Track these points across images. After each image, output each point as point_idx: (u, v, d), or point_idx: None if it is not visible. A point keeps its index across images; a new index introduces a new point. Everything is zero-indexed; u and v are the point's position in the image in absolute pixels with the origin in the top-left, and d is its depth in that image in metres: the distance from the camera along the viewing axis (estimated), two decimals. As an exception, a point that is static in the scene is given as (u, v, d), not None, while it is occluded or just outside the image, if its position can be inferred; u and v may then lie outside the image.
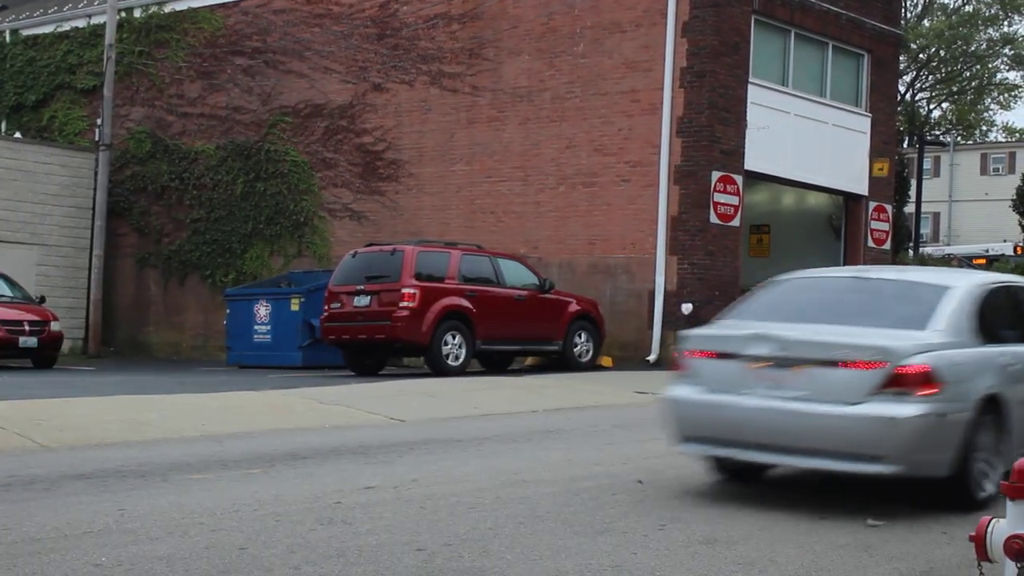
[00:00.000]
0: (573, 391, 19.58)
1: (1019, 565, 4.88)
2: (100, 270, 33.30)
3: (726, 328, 10.29)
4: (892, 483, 9.23)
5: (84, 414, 14.64)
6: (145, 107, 35.12)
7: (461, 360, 22.54)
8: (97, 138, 33.81)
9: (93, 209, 33.79)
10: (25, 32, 38.29)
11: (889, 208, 30.67)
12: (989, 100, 71.57)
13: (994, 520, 5.06)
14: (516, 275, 24.04)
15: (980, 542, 5.05)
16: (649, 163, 25.85)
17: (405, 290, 22.03)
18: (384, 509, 8.90)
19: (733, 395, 9.50)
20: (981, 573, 5.18)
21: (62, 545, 7.59)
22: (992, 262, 48.50)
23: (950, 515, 8.92)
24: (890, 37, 30.58)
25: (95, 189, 33.77)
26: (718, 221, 25.61)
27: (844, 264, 29.27)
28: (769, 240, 30.74)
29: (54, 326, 27.38)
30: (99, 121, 33.73)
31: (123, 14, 35.11)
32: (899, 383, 8.84)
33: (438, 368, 22.16)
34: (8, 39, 38.48)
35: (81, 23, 36.86)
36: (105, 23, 33.73)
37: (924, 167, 52.07)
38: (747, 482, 10.34)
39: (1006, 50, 64.14)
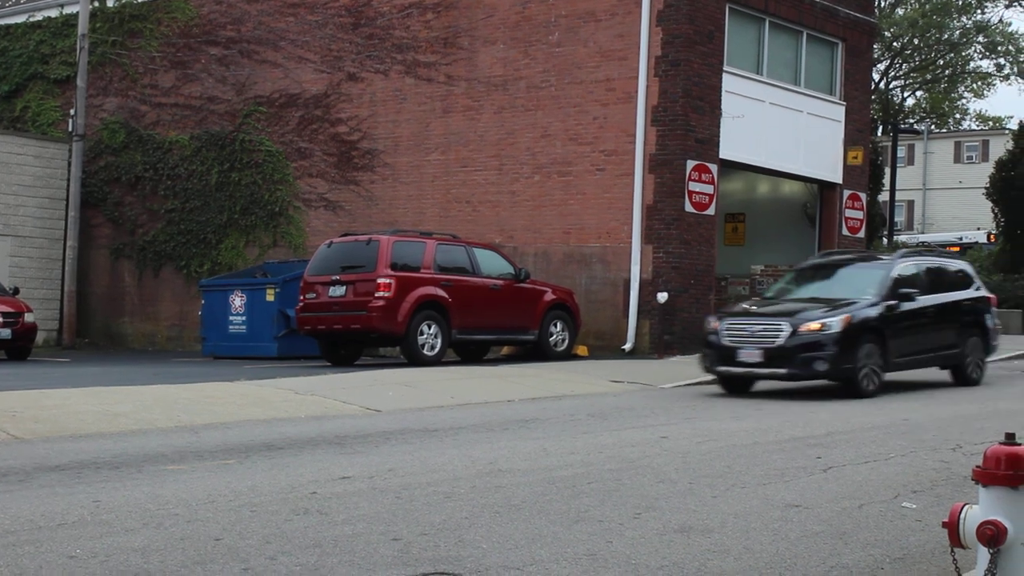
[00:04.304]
0: (549, 380, 19.60)
1: (992, 551, 4.91)
2: (74, 261, 33.19)
3: None
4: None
5: (58, 405, 14.59)
6: (119, 97, 34.98)
7: (437, 350, 22.54)
8: (70, 128, 33.70)
9: (67, 200, 33.67)
10: (-3, 22, 38.09)
11: (863, 196, 30.78)
12: (963, 88, 71.88)
13: (967, 506, 5.09)
14: (491, 265, 24.05)
15: (953, 528, 5.07)
16: (624, 152, 25.86)
17: (380, 280, 22.01)
18: (360, 499, 8.90)
19: None
20: (954, 559, 5.20)
21: (36, 537, 7.56)
22: (966, 250, 48.74)
23: (925, 502, 8.98)
24: (864, 25, 30.66)
25: (69, 180, 33.66)
26: (693, 210, 25.65)
27: (818, 252, 29.45)
28: (744, 229, 30.84)
29: (28, 317, 27.29)
30: (72, 111, 33.60)
31: (96, 3, 34.95)
32: None
33: (414, 358, 22.16)
34: (-20, 29, 38.30)
35: (54, 12, 36.68)
36: (78, 13, 33.59)
37: (898, 155, 52.22)
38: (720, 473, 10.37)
39: (980, 38, 64.38)
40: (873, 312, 18.17)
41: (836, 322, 17.57)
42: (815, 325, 17.59)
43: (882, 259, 20.28)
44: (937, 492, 9.42)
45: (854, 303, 18.19)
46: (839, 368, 17.59)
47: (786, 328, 17.67)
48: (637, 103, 25.69)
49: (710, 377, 18.87)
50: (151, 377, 19.72)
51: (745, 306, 19.78)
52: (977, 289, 20.79)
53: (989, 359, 21.07)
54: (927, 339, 19.37)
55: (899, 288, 18.69)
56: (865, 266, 20.01)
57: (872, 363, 17.87)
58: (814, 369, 17.60)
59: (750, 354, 17.86)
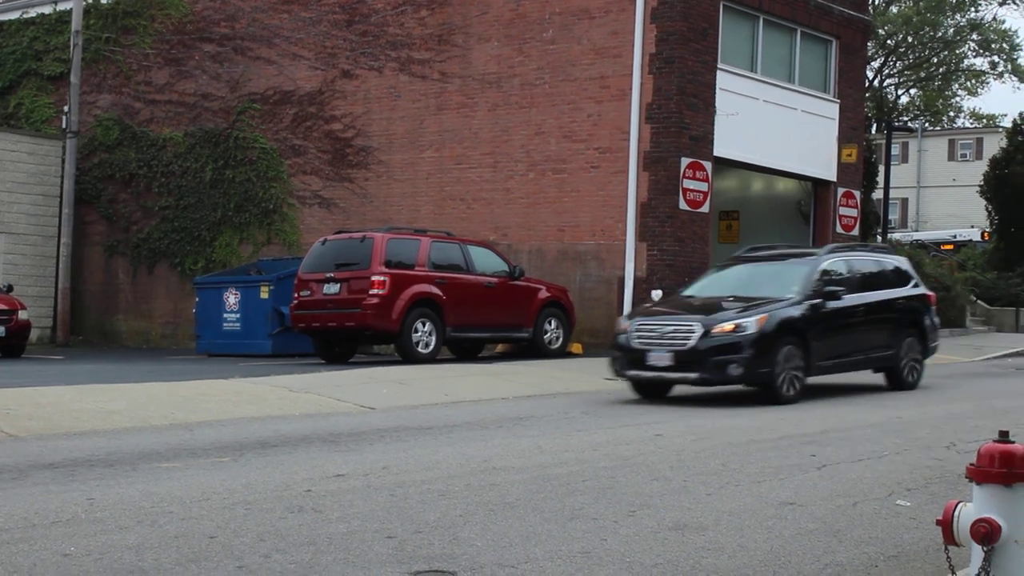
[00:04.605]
0: (543, 378, 19.59)
1: (986, 549, 4.92)
2: (68, 258, 33.14)
3: None
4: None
5: (53, 403, 14.57)
6: (113, 94, 34.94)
7: (431, 347, 22.53)
8: (64, 125, 33.65)
9: (61, 197, 33.61)
10: (-10, 19, 38.03)
11: (857, 194, 30.80)
12: (956, 86, 71.87)
13: (961, 504, 5.09)
14: (486, 262, 24.04)
15: (947, 526, 5.08)
16: (618, 149, 25.86)
17: (375, 277, 22.00)
18: (354, 497, 8.90)
19: None
20: (948, 557, 5.20)
21: (30, 535, 7.55)
22: (960, 247, 48.78)
23: (919, 499, 8.98)
24: (858, 23, 30.67)
25: (63, 177, 33.60)
26: (687, 207, 25.65)
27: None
28: (738, 226, 30.83)
29: (22, 315, 27.25)
30: (66, 108, 33.55)
31: (89, 0, 34.88)
32: None
33: (408, 355, 22.14)
34: (-27, 26, 38.23)
35: (47, 9, 36.62)
36: (71, 9, 33.54)
37: (892, 153, 52.27)
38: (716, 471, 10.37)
39: (973, 36, 64.39)
40: (795, 312, 16.81)
41: (751, 323, 16.27)
42: (729, 326, 16.34)
43: (809, 255, 18.91)
44: (931, 490, 9.43)
45: (775, 302, 16.81)
46: (755, 372, 16.28)
47: (698, 329, 16.41)
48: (631, 100, 25.67)
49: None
50: (145, 375, 19.71)
51: (659, 305, 18.71)
52: (915, 287, 19.55)
53: (967, 358, 20.65)
54: (857, 340, 18.03)
55: (825, 286, 17.46)
56: (791, 263, 18.51)
57: (792, 367, 16.54)
58: (727, 374, 16.30)
59: (660, 357, 16.60)
